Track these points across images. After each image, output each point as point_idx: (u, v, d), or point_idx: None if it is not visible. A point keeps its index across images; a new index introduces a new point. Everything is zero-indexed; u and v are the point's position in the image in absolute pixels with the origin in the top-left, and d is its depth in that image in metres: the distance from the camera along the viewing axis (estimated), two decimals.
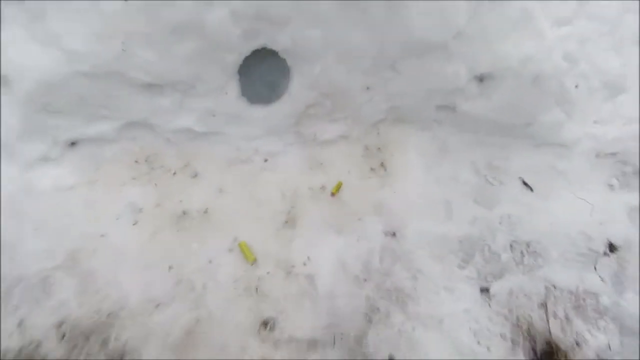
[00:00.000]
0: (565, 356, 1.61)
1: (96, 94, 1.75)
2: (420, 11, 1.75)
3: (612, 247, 1.91)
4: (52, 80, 1.68)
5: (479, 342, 1.62)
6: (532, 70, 1.95)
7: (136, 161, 1.86)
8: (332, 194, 1.91)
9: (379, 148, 2.01)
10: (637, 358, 1.63)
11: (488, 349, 1.61)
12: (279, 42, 1.77)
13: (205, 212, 1.81)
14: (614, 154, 2.20)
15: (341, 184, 1.94)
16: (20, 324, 1.53)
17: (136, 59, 1.69)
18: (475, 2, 1.74)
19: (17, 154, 1.78)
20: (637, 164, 2.20)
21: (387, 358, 1.56)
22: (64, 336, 1.53)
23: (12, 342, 1.50)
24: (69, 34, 1.62)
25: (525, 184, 2.07)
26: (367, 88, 1.93)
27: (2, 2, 1.65)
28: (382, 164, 1.99)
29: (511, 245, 1.88)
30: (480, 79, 1.99)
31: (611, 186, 2.14)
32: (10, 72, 1.67)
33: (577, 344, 1.65)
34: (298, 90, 1.90)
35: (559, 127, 2.13)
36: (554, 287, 1.79)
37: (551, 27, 2.02)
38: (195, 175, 1.87)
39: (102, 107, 1.79)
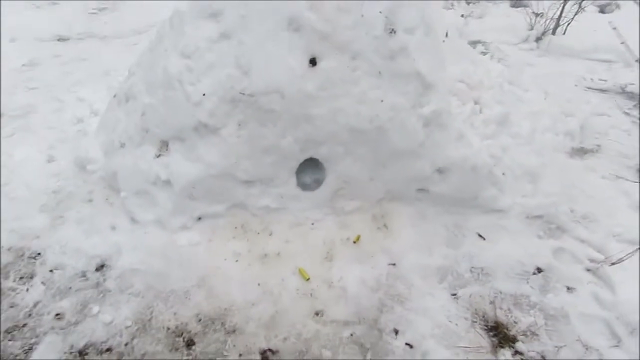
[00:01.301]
0: (507, 328, 2.53)
1: (217, 187, 2.97)
2: (398, 135, 2.92)
3: (539, 270, 2.89)
4: (195, 180, 2.91)
5: (450, 321, 2.56)
6: (469, 164, 3.00)
7: (236, 227, 3.04)
8: (354, 242, 2.94)
9: (382, 215, 3.12)
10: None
11: (456, 324, 2.55)
12: (320, 153, 2.88)
13: (278, 254, 2.88)
14: (540, 217, 3.25)
15: (360, 236, 2.97)
16: (174, 314, 2.60)
17: (241, 166, 2.91)
18: (428, 129, 3.08)
19: (168, 224, 2.98)
20: (559, 223, 3.26)
21: (392, 329, 2.52)
22: (200, 320, 2.56)
23: (170, 323, 2.55)
24: (208, 154, 2.90)
25: (480, 235, 3.12)
26: (371, 179, 2.98)
27: (170, 141, 3.08)
28: (384, 225, 3.09)
29: (471, 270, 2.86)
30: (440, 170, 2.97)
31: (540, 236, 3.14)
32: (172, 177, 2.98)
33: (515, 322, 2.57)
34: (330, 181, 2.97)
35: (495, 200, 3.11)
36: (500, 292, 2.73)
37: (480, 141, 3.32)
38: (271, 234, 3.00)
39: (218, 195, 3.00)
